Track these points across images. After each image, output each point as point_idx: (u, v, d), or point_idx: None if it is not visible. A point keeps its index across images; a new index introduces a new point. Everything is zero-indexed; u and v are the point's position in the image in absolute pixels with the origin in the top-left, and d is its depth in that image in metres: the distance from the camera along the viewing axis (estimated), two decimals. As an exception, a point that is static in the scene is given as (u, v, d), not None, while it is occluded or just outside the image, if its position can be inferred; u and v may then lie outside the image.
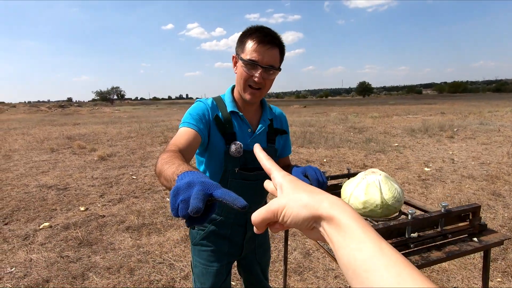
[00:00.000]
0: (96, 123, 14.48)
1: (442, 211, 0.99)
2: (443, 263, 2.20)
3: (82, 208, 3.46)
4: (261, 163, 0.40)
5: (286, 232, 1.73)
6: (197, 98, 1.18)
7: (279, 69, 1.01)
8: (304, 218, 0.31)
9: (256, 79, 0.97)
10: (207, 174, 1.10)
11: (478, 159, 5.35)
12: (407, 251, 0.94)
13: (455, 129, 8.67)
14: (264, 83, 1.00)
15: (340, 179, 1.56)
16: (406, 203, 1.29)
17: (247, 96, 1.02)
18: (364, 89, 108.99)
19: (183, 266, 2.32)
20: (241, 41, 1.00)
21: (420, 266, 0.89)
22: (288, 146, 1.27)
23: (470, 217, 1.04)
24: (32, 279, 2.17)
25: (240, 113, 1.07)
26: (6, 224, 3.10)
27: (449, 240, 1.00)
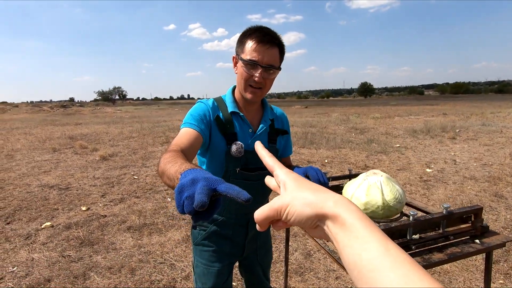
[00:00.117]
0: (98, 123, 14.53)
1: (444, 212, 0.99)
2: (445, 265, 2.19)
3: (83, 208, 3.47)
4: (263, 161, 0.40)
5: (287, 233, 1.73)
6: (198, 98, 1.18)
7: (279, 69, 1.01)
8: (308, 216, 0.30)
9: (256, 79, 0.97)
10: (209, 174, 1.10)
11: (480, 160, 5.33)
12: (408, 252, 0.94)
13: (457, 130, 8.64)
14: (264, 82, 1.00)
15: (341, 180, 1.56)
16: (408, 204, 1.29)
17: (248, 95, 1.02)
18: (366, 90, 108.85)
19: (184, 266, 2.32)
20: (241, 42, 1.00)
21: (421, 268, 0.89)
22: (289, 146, 1.27)
23: (472, 218, 1.04)
24: (34, 279, 2.17)
25: (241, 114, 1.07)
26: (8, 223, 3.12)
27: (451, 242, 1.00)
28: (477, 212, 1.03)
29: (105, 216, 3.27)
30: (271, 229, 1.72)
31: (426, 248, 0.97)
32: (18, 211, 3.43)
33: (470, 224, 1.04)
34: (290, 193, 0.33)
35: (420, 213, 1.18)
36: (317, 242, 1.13)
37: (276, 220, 0.34)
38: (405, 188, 3.99)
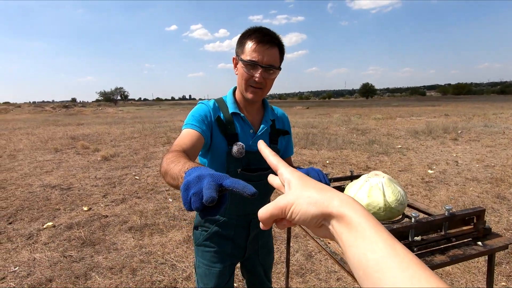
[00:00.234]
0: (99, 123, 14.57)
1: (446, 214, 0.98)
2: (447, 267, 2.18)
3: (85, 208, 3.48)
4: (266, 160, 0.40)
5: (288, 234, 1.72)
6: (200, 99, 1.19)
7: (279, 69, 1.02)
8: (313, 215, 0.30)
9: (256, 79, 0.98)
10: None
11: (483, 162, 5.30)
12: (410, 254, 0.94)
13: (459, 131, 8.61)
14: (265, 82, 1.01)
15: (343, 181, 1.55)
16: (410, 206, 1.28)
17: (249, 95, 1.03)
18: (367, 91, 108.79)
19: (185, 266, 2.32)
20: (241, 42, 1.00)
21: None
22: (290, 147, 1.27)
23: (475, 220, 1.03)
24: (35, 279, 2.18)
25: (242, 114, 1.07)
26: (10, 223, 3.13)
27: (453, 243, 0.99)
28: (479, 214, 1.02)
29: (107, 216, 3.27)
30: (272, 229, 1.72)
31: (428, 250, 0.96)
32: (20, 211, 3.44)
33: (472, 226, 1.03)
34: (295, 192, 0.32)
35: (422, 215, 1.18)
36: (318, 243, 1.12)
37: (280, 218, 0.33)
38: (406, 189, 3.98)
